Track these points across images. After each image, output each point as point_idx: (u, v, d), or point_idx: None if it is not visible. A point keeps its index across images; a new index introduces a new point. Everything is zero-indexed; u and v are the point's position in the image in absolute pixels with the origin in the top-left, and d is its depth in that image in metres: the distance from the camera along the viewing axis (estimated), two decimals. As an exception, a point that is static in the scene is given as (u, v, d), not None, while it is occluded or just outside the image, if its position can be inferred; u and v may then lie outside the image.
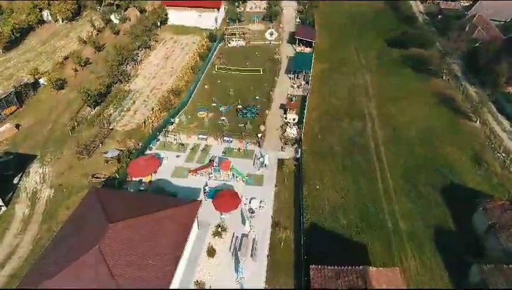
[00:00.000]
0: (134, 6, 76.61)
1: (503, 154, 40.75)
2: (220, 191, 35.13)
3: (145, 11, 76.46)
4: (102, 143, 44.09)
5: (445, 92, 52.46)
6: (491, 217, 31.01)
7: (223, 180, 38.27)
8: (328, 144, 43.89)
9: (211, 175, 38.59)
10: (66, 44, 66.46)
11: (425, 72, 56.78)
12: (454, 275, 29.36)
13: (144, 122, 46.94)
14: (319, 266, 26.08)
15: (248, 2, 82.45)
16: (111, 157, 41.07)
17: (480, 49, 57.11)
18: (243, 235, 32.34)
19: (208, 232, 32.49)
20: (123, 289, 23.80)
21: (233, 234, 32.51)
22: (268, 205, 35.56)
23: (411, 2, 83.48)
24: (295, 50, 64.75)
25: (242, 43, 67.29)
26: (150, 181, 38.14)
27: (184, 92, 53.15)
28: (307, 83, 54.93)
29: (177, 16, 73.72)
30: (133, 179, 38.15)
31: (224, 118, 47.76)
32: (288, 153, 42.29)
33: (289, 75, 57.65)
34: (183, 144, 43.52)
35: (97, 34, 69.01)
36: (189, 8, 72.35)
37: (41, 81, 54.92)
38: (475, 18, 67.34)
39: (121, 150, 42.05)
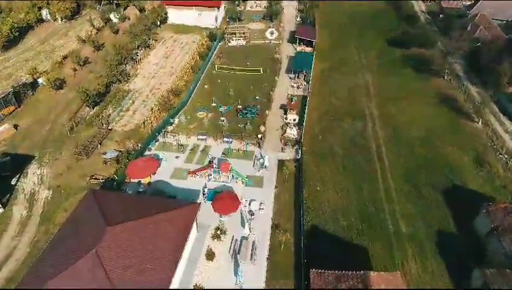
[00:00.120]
0: (134, 5, 76.02)
1: (506, 156, 40.32)
2: (220, 193, 34.80)
3: (145, 10, 75.91)
4: (100, 144, 43.73)
5: (447, 92, 51.97)
6: (493, 220, 30.61)
7: (223, 181, 37.93)
8: (328, 145, 43.52)
9: (210, 176, 38.25)
10: (65, 43, 66.02)
11: (427, 72, 56.23)
12: (456, 279, 29.02)
13: (143, 123, 46.59)
14: (319, 270, 25.76)
15: (248, 1, 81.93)
16: (110, 158, 40.74)
17: (482, 49, 56.55)
18: (243, 238, 32.02)
19: (207, 234, 32.16)
20: (120, 293, 23.53)
21: (233, 236, 32.17)
22: (268, 207, 35.21)
23: (413, 1, 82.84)
24: (295, 49, 64.29)
25: (242, 42, 66.85)
26: (149, 183, 37.81)
27: (184, 92, 52.75)
28: (308, 82, 54.53)
29: (176, 15, 73.20)
30: (132, 180, 37.83)
31: (224, 118, 47.37)
32: (289, 154, 41.95)
33: (289, 74, 57.22)
34: (182, 145, 43.18)
35: (96, 33, 68.53)
36: (189, 7, 71.85)
37: (40, 80, 54.48)
38: (477, 17, 66.76)
39: (120, 150, 41.73)
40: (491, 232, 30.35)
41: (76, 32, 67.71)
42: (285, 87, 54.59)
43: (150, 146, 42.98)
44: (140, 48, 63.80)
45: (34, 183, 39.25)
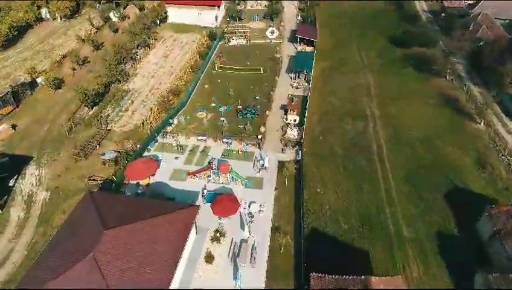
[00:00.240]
0: (134, 4, 75.63)
1: (509, 157, 39.85)
2: (219, 195, 34.45)
3: (145, 9, 75.47)
4: (99, 144, 43.37)
5: (449, 93, 51.48)
6: (496, 223, 30.20)
7: (222, 183, 37.58)
8: (329, 146, 43.12)
9: (209, 178, 37.87)
10: (64, 42, 65.63)
11: (428, 72, 55.71)
12: (458, 282, 28.67)
13: (142, 123, 46.20)
14: (320, 275, 25.39)
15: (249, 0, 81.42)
16: (108, 159, 40.37)
17: (485, 49, 55.94)
18: (242, 240, 31.67)
19: (206, 237, 31.83)
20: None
21: (232, 239, 31.84)
22: (268, 209, 34.84)
23: (415, 0, 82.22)
24: (296, 49, 63.84)
25: (242, 41, 66.39)
26: (148, 184, 37.47)
27: (183, 92, 52.35)
28: (308, 82, 54.09)
29: (176, 14, 72.77)
30: (131, 181, 37.47)
31: (223, 118, 46.97)
32: (289, 155, 41.56)
33: (290, 74, 56.78)
34: (181, 146, 42.81)
35: (96, 32, 68.16)
36: (189, 6, 71.36)
37: (39, 80, 54.15)
38: (479, 17, 66.12)
39: (119, 151, 41.37)
40: (493, 235, 29.96)
41: (75, 32, 67.37)
42: (286, 87, 54.14)
43: (149, 147, 42.61)
44: (139, 47, 63.43)
45: (32, 184, 38.94)
